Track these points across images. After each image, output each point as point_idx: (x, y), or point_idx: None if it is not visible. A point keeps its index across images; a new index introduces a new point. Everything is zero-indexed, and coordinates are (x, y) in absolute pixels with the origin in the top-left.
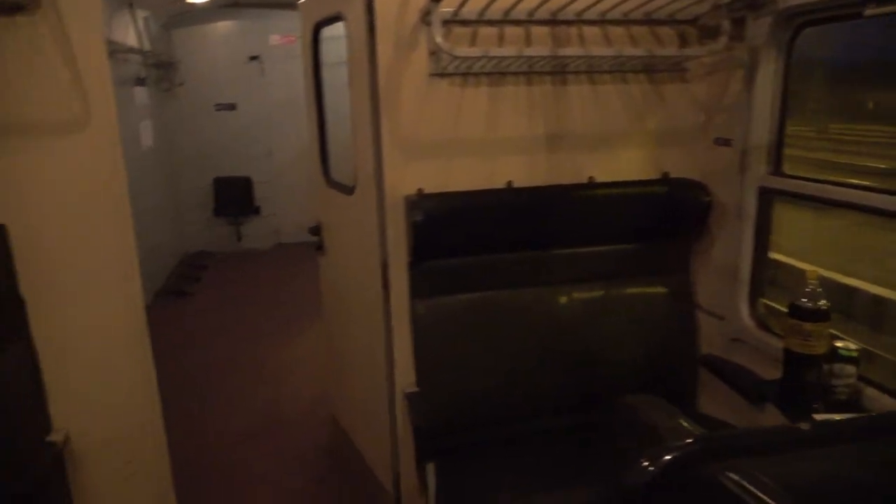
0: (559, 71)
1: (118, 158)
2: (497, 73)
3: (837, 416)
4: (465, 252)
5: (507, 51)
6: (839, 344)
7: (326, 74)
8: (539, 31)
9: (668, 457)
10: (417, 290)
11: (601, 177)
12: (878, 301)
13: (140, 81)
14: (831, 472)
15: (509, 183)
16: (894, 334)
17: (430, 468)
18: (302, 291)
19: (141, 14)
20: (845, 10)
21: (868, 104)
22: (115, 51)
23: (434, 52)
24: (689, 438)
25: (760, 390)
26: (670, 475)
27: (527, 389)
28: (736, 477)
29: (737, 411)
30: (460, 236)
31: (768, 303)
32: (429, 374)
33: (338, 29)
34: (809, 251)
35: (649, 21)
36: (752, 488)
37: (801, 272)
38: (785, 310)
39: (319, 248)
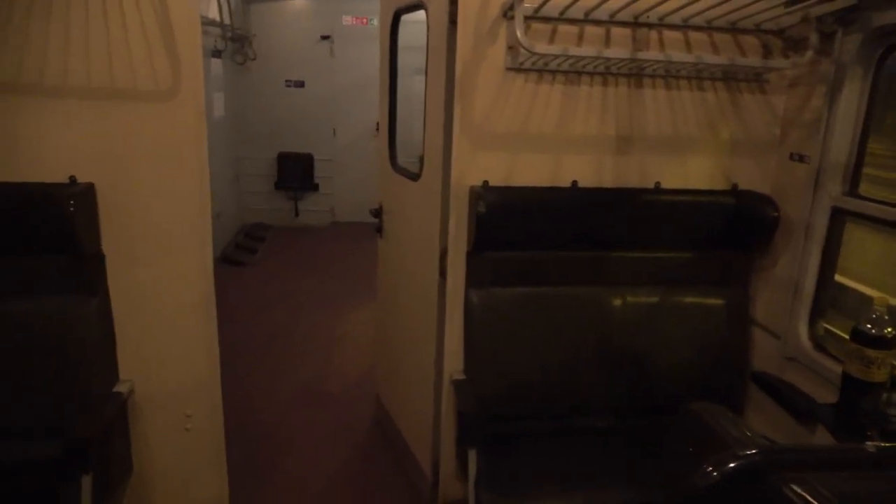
0: (635, 73)
1: (202, 127)
2: (573, 72)
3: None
4: (525, 246)
5: (586, 51)
6: None
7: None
8: (619, 33)
9: (733, 464)
10: (474, 280)
11: (668, 183)
12: None
13: (216, 53)
14: (892, 495)
15: (574, 182)
16: None
17: (472, 455)
18: (355, 270)
19: None
20: None
21: None
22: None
23: (512, 47)
24: (754, 448)
25: (813, 412)
26: (734, 482)
27: (574, 386)
28: (799, 489)
29: (785, 431)
30: (521, 230)
31: (828, 326)
32: (477, 362)
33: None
34: (879, 277)
35: (733, 29)
36: (814, 501)
37: (867, 298)
38: (844, 334)
39: (379, 230)
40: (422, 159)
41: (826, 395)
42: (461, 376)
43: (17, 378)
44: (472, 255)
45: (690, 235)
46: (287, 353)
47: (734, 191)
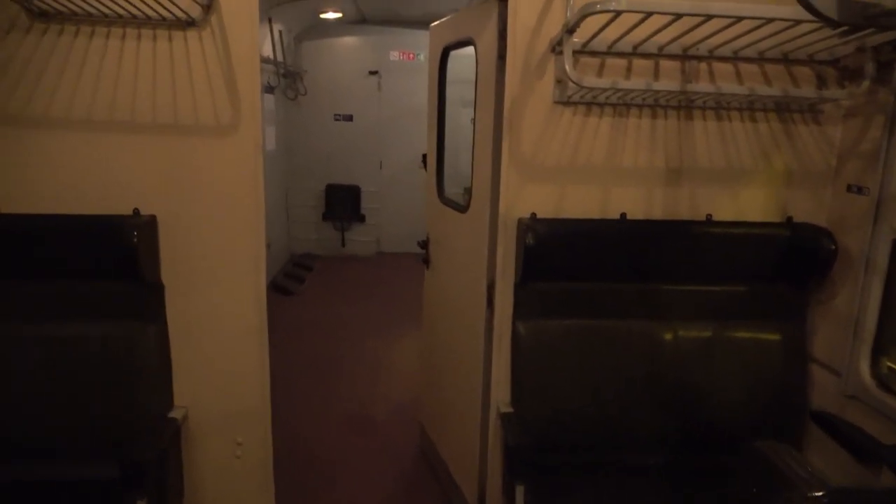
0: (685, 105)
1: (259, 161)
2: (621, 105)
3: None
4: (573, 278)
5: (635, 84)
6: None
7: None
8: (668, 65)
9: None
10: (521, 312)
11: (719, 215)
12: None
13: (269, 89)
14: None
15: (623, 214)
16: None
17: (520, 490)
18: (400, 299)
19: (277, 27)
20: None
21: None
22: None
23: (560, 81)
24: (822, 490)
25: (877, 454)
26: None
27: (625, 421)
28: None
29: (847, 473)
30: (570, 262)
31: (891, 364)
32: (525, 395)
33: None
34: None
35: (785, 60)
36: None
37: None
38: None
39: (426, 261)
40: (468, 191)
41: (891, 436)
42: (508, 409)
43: (77, 399)
44: (519, 287)
45: (743, 268)
46: (334, 380)
47: (789, 223)
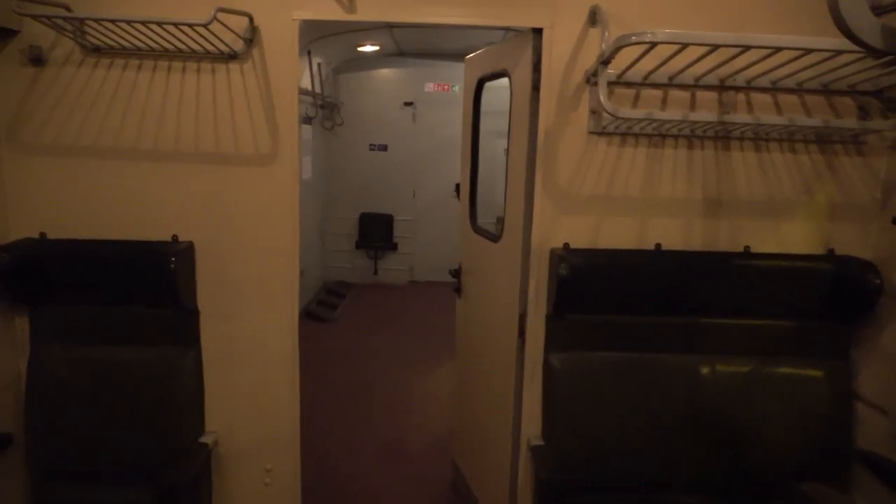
0: (722, 136)
1: (296, 190)
2: (657, 135)
3: None
4: (607, 310)
5: (672, 115)
6: None
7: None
8: (705, 96)
9: None
10: (553, 344)
11: (758, 247)
12: None
13: (307, 120)
14: None
15: (658, 245)
16: None
17: None
18: (433, 328)
19: (316, 60)
20: None
21: None
22: None
23: (595, 112)
24: None
25: None
26: None
27: (661, 458)
28: None
29: None
30: (604, 294)
31: None
32: (557, 428)
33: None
34: None
35: (826, 91)
36: None
37: None
38: None
39: (458, 290)
40: (501, 221)
41: None
42: (540, 442)
43: (113, 423)
44: (552, 318)
45: (784, 302)
46: (366, 409)
47: (831, 256)
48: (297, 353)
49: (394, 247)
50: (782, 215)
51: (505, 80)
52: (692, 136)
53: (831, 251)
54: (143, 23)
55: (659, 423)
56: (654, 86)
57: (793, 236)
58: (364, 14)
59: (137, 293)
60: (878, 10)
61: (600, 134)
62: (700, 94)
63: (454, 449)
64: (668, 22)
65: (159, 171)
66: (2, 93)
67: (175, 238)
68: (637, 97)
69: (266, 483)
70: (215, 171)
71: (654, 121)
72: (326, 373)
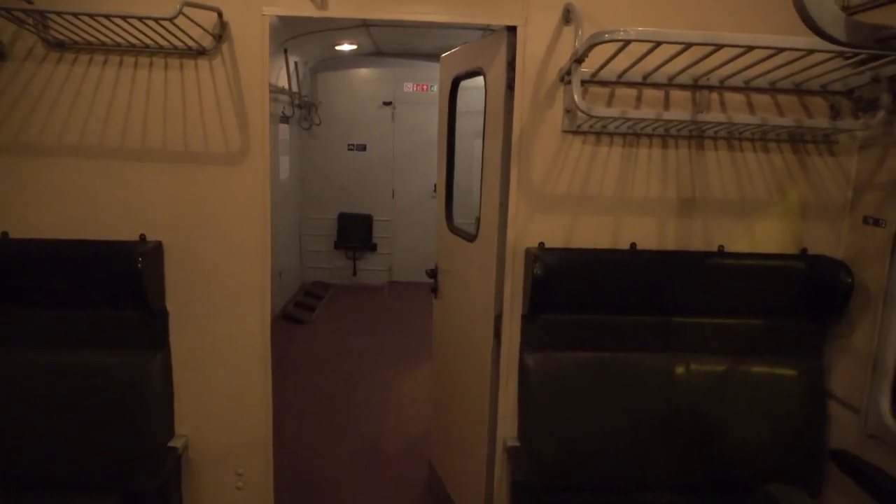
0: (696, 135)
1: (267, 190)
2: (632, 134)
3: None
4: (582, 309)
5: (646, 113)
6: None
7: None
8: (679, 95)
9: None
10: (529, 344)
11: (732, 247)
12: None
13: (284, 119)
14: None
15: (633, 244)
16: None
17: None
18: (412, 329)
19: (293, 59)
20: None
21: None
22: (270, 91)
23: (570, 110)
24: None
25: None
26: None
27: (636, 458)
28: None
29: None
30: (579, 293)
31: None
32: (533, 429)
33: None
34: None
35: (798, 90)
36: None
37: None
38: None
39: (434, 290)
40: (478, 221)
41: None
42: (515, 443)
43: (79, 425)
44: (527, 318)
45: (757, 301)
46: (342, 411)
47: (804, 255)
48: (269, 355)
49: (373, 247)
50: (755, 214)
51: (482, 80)
52: (666, 135)
53: (804, 250)
54: (108, 17)
55: (634, 422)
56: (629, 84)
57: (766, 235)
58: (335, 10)
59: (104, 294)
60: (849, 11)
61: (575, 133)
62: (674, 93)
63: (431, 451)
64: (642, 21)
65: (126, 170)
66: None
67: (143, 238)
68: (611, 96)
69: (238, 487)
70: (184, 169)
71: (629, 119)
72: (303, 375)
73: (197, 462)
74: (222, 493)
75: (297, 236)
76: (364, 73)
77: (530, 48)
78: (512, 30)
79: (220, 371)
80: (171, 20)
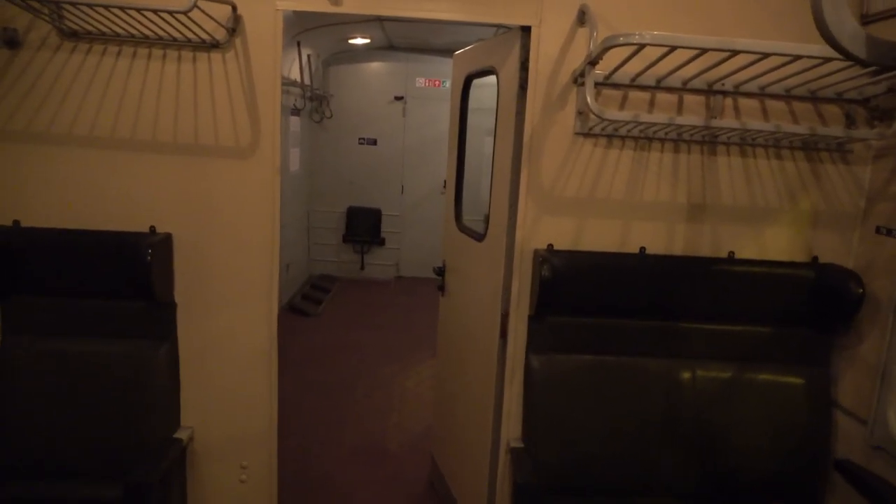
0: (709, 140)
1: (277, 184)
2: (643, 138)
3: None
4: (589, 312)
5: (658, 117)
6: None
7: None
8: (692, 99)
9: None
10: (535, 345)
11: (742, 253)
12: None
13: (295, 111)
14: None
15: (642, 249)
16: None
17: None
18: (418, 325)
19: (306, 51)
20: None
21: None
22: (282, 84)
23: (582, 112)
24: None
25: None
26: None
27: (639, 463)
28: None
29: None
30: (586, 296)
31: None
32: (536, 431)
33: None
34: None
35: (813, 98)
36: None
37: None
38: None
39: (441, 288)
40: (487, 220)
41: None
42: (519, 444)
43: (86, 415)
44: (534, 319)
45: (766, 309)
46: (347, 406)
47: (814, 264)
48: (275, 348)
49: (381, 241)
50: (766, 221)
51: (493, 78)
52: (678, 139)
53: (815, 259)
54: (122, 8)
55: (638, 427)
56: (642, 88)
57: (776, 243)
58: (349, 6)
59: (113, 285)
60: (866, 19)
61: (586, 135)
62: (687, 97)
63: (434, 448)
64: (657, 24)
65: (137, 161)
66: None
67: (152, 229)
68: (624, 99)
69: (242, 480)
70: (195, 162)
71: (641, 123)
72: (308, 368)
73: (202, 454)
74: (226, 486)
75: (306, 229)
76: (376, 66)
77: (544, 49)
78: (526, 30)
79: (227, 364)
80: (185, 13)
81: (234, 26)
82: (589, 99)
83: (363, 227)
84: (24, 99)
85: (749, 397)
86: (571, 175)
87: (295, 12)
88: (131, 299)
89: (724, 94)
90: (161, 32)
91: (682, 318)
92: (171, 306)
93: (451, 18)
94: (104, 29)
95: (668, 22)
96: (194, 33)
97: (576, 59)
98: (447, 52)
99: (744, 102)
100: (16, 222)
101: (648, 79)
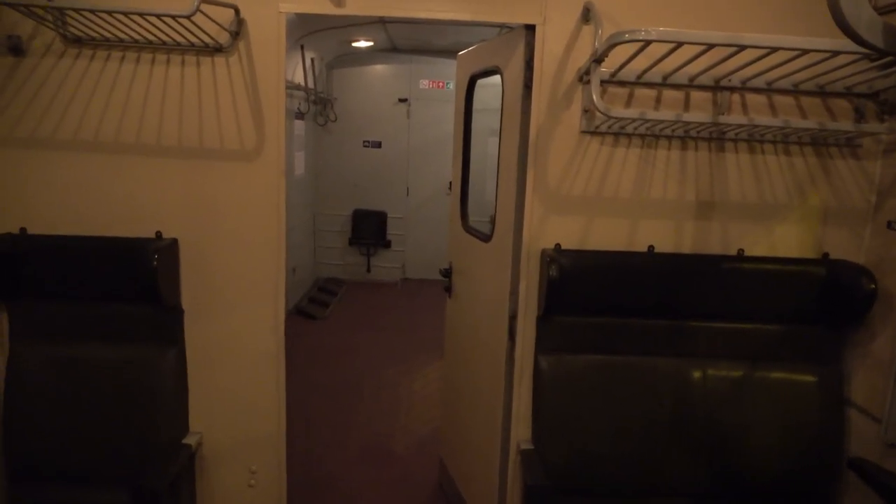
0: (716, 137)
1: (282, 187)
2: (650, 136)
3: None
4: (598, 312)
5: (665, 115)
6: None
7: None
8: (699, 96)
9: None
10: (544, 345)
11: (752, 250)
12: None
13: (300, 115)
14: None
15: (650, 247)
16: None
17: None
18: (424, 327)
19: (309, 55)
20: None
21: None
22: (286, 87)
23: (588, 111)
24: None
25: None
26: None
27: (651, 464)
28: None
29: None
30: (595, 296)
31: None
32: (547, 432)
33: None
34: None
35: (822, 93)
36: None
37: None
38: None
39: (448, 290)
40: (493, 220)
41: None
42: (529, 445)
43: (94, 421)
44: (542, 320)
45: (777, 307)
46: (355, 409)
47: (825, 260)
48: (282, 352)
49: (387, 244)
50: (775, 218)
51: (498, 78)
52: (686, 136)
53: (826, 255)
54: (125, 13)
55: (648, 427)
56: (648, 85)
57: (786, 240)
58: (353, 7)
59: (120, 290)
60: (878, 11)
61: (592, 133)
62: (694, 94)
63: (443, 451)
64: (662, 21)
65: (142, 166)
66: None
67: (158, 234)
68: (630, 96)
69: (251, 485)
70: (200, 166)
71: (647, 121)
72: (315, 371)
73: (210, 459)
74: (235, 491)
75: (312, 232)
76: (380, 69)
77: (548, 47)
78: (530, 28)
79: (234, 368)
80: (188, 17)
81: (238, 30)
82: (595, 97)
83: (369, 230)
84: (29, 105)
85: (760, 396)
86: (578, 174)
87: (298, 16)
88: (138, 304)
89: (732, 90)
90: (164, 37)
91: (692, 316)
92: (177, 311)
93: (454, 18)
94: (108, 34)
95: (674, 18)
96: (197, 37)
97: (581, 58)
98: (451, 53)
99: (751, 98)
100: (22, 230)
101: (654, 76)
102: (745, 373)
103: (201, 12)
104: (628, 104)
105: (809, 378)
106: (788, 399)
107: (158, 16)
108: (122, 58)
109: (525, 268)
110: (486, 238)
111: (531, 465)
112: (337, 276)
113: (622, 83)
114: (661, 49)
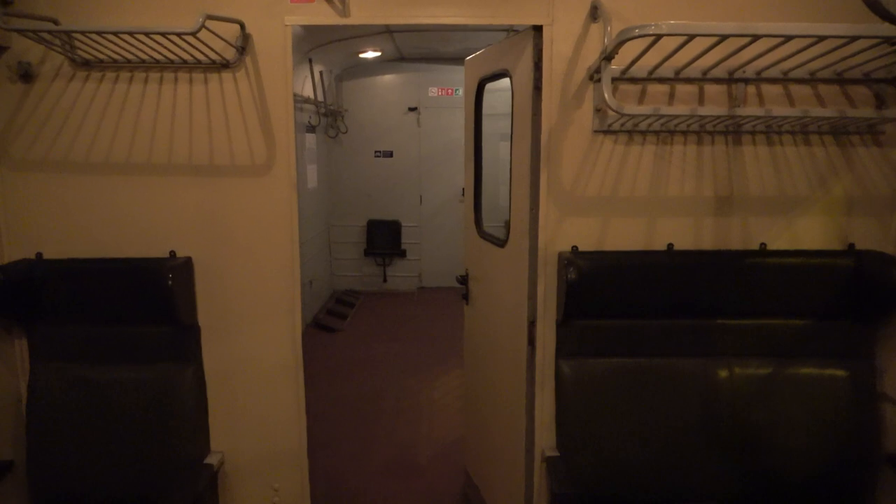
0: (733, 130)
1: (294, 201)
2: (665, 132)
3: None
4: (619, 314)
5: (679, 109)
6: None
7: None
8: (713, 89)
9: None
10: (564, 350)
11: (774, 244)
12: None
13: (310, 128)
14: None
15: (670, 245)
16: None
17: None
18: (443, 335)
19: (318, 68)
20: None
21: None
22: (294, 101)
23: (600, 109)
24: None
25: None
26: None
27: (679, 468)
28: None
29: None
30: (615, 298)
31: None
32: (571, 438)
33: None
34: None
35: (840, 80)
36: None
37: None
38: None
39: (465, 297)
40: (507, 225)
41: None
42: (554, 453)
43: (113, 443)
44: (562, 324)
45: (804, 301)
46: (376, 420)
47: (852, 251)
48: (301, 366)
49: (402, 253)
50: (797, 210)
51: (507, 81)
52: (701, 131)
53: (851, 246)
54: (130, 34)
55: (675, 430)
56: (660, 80)
57: (809, 232)
58: (358, 17)
59: (137, 311)
60: None
61: (606, 132)
62: (708, 87)
63: (467, 460)
64: (671, 15)
65: (154, 186)
66: None
67: (172, 253)
68: (643, 93)
69: (274, 502)
70: (211, 183)
71: (662, 116)
72: (334, 383)
73: (233, 477)
74: None
75: (327, 244)
76: (388, 79)
77: (557, 47)
78: (538, 29)
79: (253, 384)
80: (193, 34)
81: (244, 45)
82: (606, 95)
83: (384, 240)
84: (41, 129)
85: (790, 394)
86: (592, 174)
87: (305, 29)
88: (156, 324)
89: (746, 81)
90: (171, 55)
91: (716, 314)
92: (195, 329)
93: (460, 23)
94: (115, 56)
95: (682, 12)
96: (204, 54)
97: (590, 56)
98: (458, 60)
99: (767, 89)
100: (39, 254)
101: (666, 71)
102: (773, 370)
103: (206, 28)
104: (641, 101)
105: (841, 373)
106: (820, 396)
107: (164, 34)
108: (131, 78)
109: (542, 272)
110: (502, 243)
111: (557, 472)
112: (354, 288)
113: (634, 80)
114: (672, 43)
